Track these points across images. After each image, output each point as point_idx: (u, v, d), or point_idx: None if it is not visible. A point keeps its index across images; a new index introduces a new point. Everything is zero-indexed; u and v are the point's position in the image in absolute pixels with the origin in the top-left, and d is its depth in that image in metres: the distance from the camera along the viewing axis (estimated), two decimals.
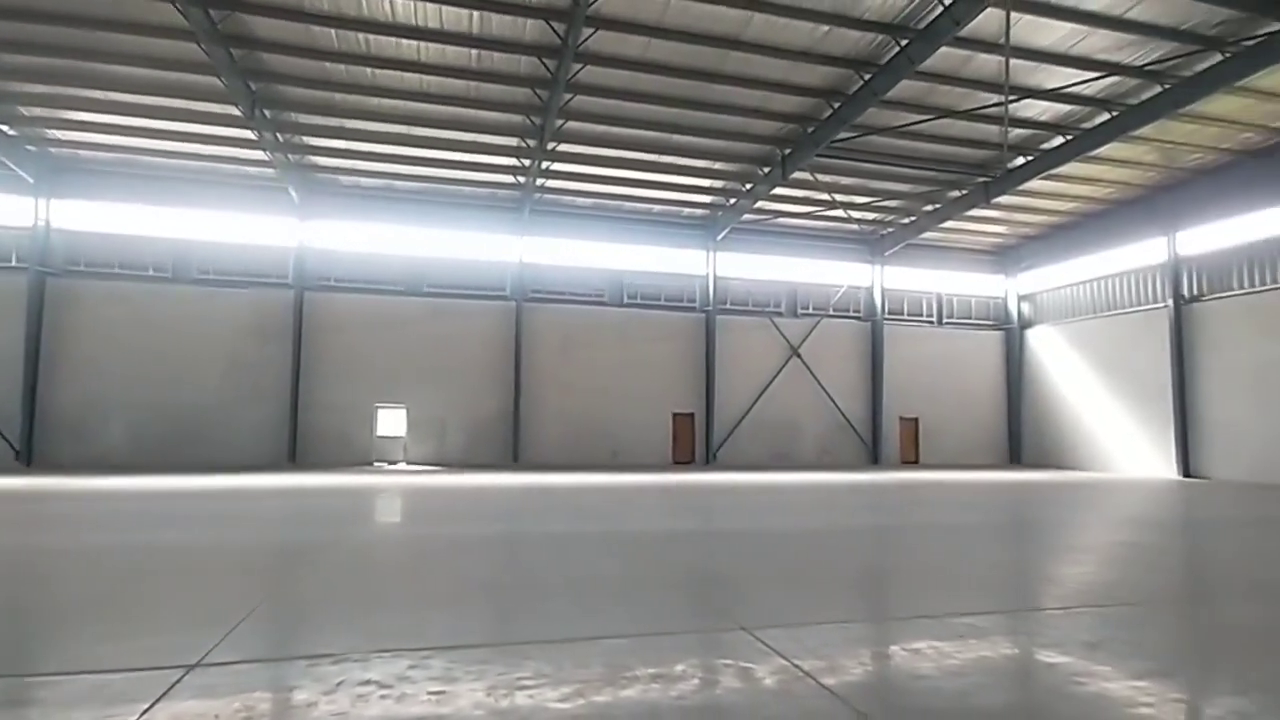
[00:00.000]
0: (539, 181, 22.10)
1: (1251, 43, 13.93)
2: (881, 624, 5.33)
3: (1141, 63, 15.25)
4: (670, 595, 6.08)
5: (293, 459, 22.24)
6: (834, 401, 26.73)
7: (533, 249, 25.13)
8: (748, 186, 22.27)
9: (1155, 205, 22.76)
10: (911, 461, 27.47)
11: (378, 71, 16.25)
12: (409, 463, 23.26)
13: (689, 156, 20.40)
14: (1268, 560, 8.33)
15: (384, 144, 19.72)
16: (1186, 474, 21.75)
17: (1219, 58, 14.67)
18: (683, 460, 25.42)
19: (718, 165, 21.05)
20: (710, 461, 25.36)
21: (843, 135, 18.31)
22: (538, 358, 24.51)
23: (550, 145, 19.36)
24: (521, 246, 24.80)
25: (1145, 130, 17.93)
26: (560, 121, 18.10)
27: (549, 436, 24.34)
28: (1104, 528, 10.84)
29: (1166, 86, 15.96)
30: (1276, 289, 19.78)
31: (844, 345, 27.29)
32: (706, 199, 23.75)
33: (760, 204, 23.51)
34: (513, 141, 19.59)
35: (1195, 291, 22.07)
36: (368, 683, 3.81)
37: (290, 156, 20.43)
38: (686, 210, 24.86)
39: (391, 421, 23.59)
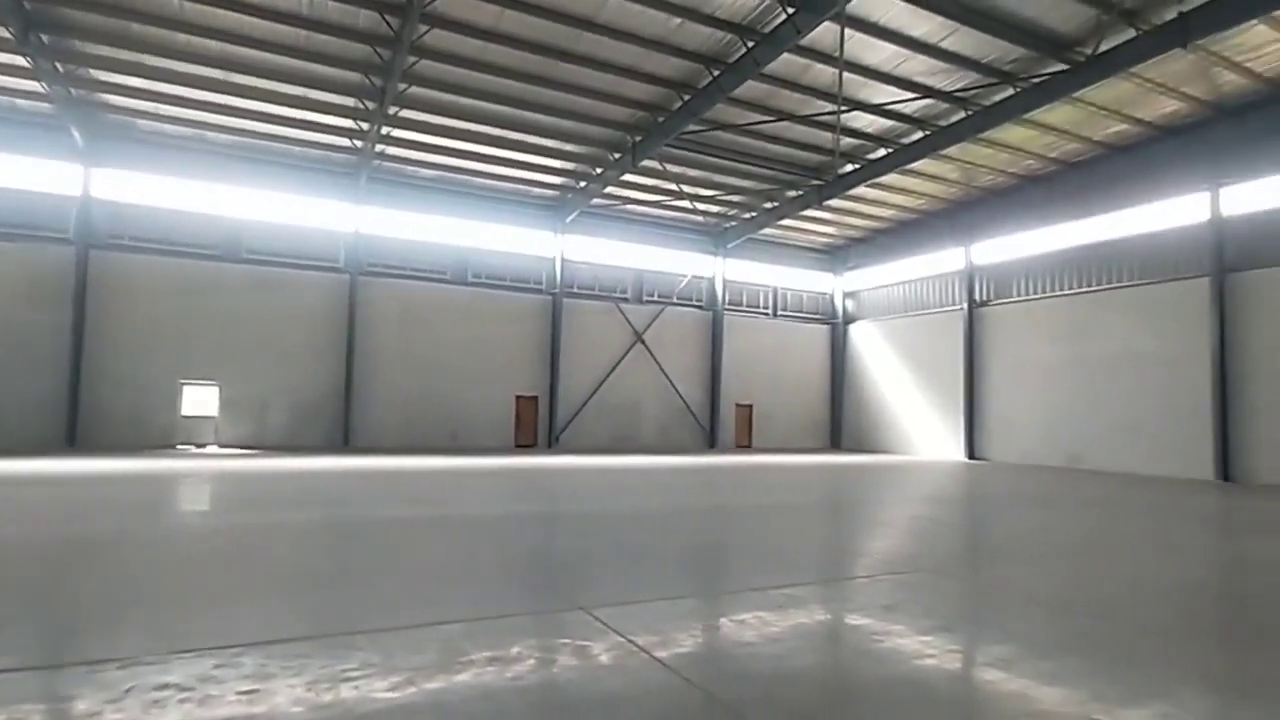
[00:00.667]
0: (378, 148, 20.77)
1: (1037, 80, 16.16)
2: (712, 598, 5.66)
3: (951, 89, 17.16)
4: (509, 579, 6.05)
5: (72, 441, 19.37)
6: (675, 387, 27.76)
7: (371, 220, 23.56)
8: (598, 171, 22.40)
9: (956, 218, 25.81)
10: (745, 446, 29.24)
11: (187, 4, 14.40)
12: (221, 446, 21.09)
13: (540, 135, 20.10)
14: (1031, 530, 9.83)
15: (194, 88, 17.52)
16: (972, 456, 25.03)
17: (1011, 91, 16.89)
18: (526, 443, 25.26)
19: (568, 146, 20.96)
20: (553, 444, 25.42)
21: (692, 128, 18.94)
22: (373, 335, 23.15)
23: (391, 110, 18.24)
24: (358, 216, 23.18)
25: (951, 150, 20.23)
26: (404, 86, 17.11)
27: (384, 418, 23.13)
28: (905, 504, 12.21)
29: (970, 113, 18.10)
30: (1046, 298, 23.24)
31: (686, 333, 28.39)
32: (556, 180, 23.58)
33: (610, 189, 23.74)
34: (349, 102, 18.23)
35: (985, 297, 25.36)
36: (165, 686, 3.45)
37: (73, 91, 17.60)
38: (536, 190, 24.54)
39: (201, 400, 21.22)
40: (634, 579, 6.14)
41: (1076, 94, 16.39)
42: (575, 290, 26.51)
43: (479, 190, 24.43)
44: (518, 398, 25.21)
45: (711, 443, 28.29)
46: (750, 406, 29.53)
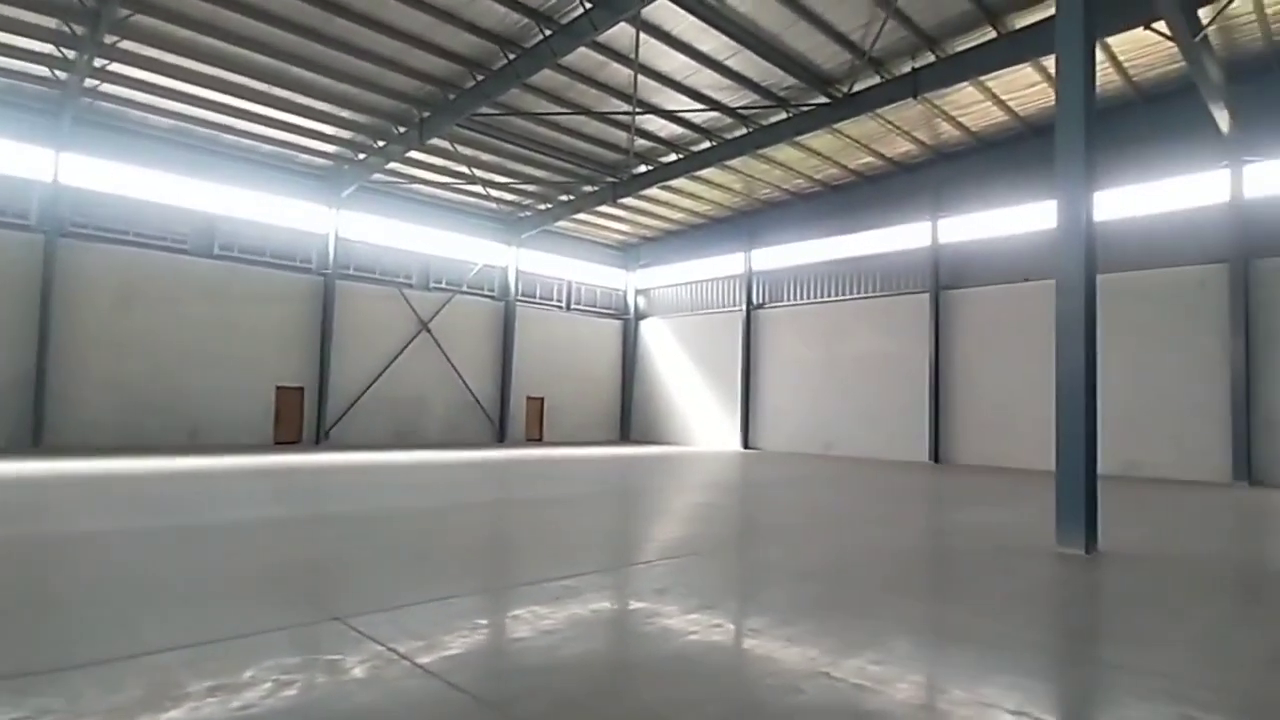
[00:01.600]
0: (90, 83, 17.39)
1: (805, 109, 18.09)
2: (487, 596, 5.59)
3: (735, 105, 18.58)
4: (251, 593, 5.46)
5: None
6: (463, 379, 27.00)
7: (78, 170, 19.51)
8: (380, 143, 21.00)
9: (739, 226, 28.09)
10: (536, 439, 29.30)
11: None
12: None
13: (309, 95, 18.21)
14: (786, 510, 10.99)
15: None
16: (747, 446, 27.43)
17: (784, 115, 18.71)
18: (288, 440, 22.97)
19: (345, 113, 19.33)
20: (322, 441, 23.43)
21: (486, 111, 18.49)
22: (81, 311, 19.23)
23: (109, 39, 15.31)
24: (60, 163, 19.02)
25: (735, 162, 21.95)
26: (127, 12, 14.43)
27: (95, 413, 19.37)
28: (683, 492, 13.03)
29: (750, 130, 19.77)
30: (811, 303, 26.15)
31: (477, 323, 27.72)
32: (329, 148, 21.64)
33: (395, 165, 22.39)
34: (50, 22, 14.98)
35: (762, 300, 27.89)
36: None
37: None
38: (305, 156, 22.26)
39: None
40: (403, 582, 5.87)
41: (836, 125, 18.57)
42: (352, 272, 24.63)
43: (231, 149, 21.59)
44: (279, 389, 22.81)
45: (501, 436, 27.94)
46: (542, 399, 29.63)
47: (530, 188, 24.89)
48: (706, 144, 20.93)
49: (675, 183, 23.80)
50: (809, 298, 26.19)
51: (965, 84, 16.56)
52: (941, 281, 22.17)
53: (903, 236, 23.51)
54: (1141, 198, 18.17)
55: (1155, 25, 12.97)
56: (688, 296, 30.88)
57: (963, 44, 15.31)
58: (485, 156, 22.18)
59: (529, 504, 10.90)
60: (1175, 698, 3.68)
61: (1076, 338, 7.87)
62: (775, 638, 4.56)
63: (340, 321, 24.03)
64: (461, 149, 21.33)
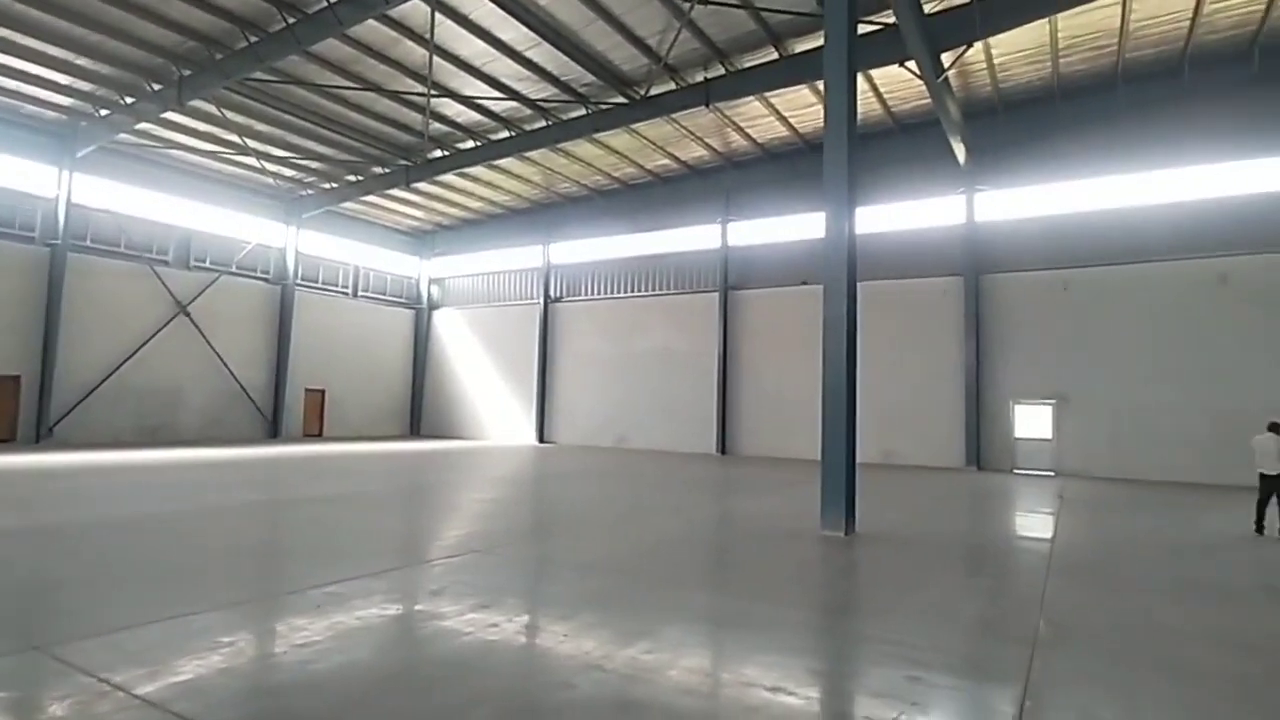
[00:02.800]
0: None
1: (604, 107, 18.33)
2: (234, 610, 4.89)
3: (535, 97, 18.33)
4: None
5: None
6: (230, 369, 23.94)
7: None
8: (129, 100, 17.91)
9: (538, 218, 27.85)
10: (315, 434, 26.81)
11: None
12: None
13: (38, 37, 15.11)
14: (577, 502, 11.02)
15: None
16: (542, 440, 27.32)
17: (584, 111, 18.82)
18: None
19: (83, 60, 16.24)
20: (44, 438, 19.52)
21: (262, 76, 16.48)
22: None
23: None
24: None
25: (535, 154, 21.69)
26: None
27: None
28: (473, 487, 12.58)
29: (550, 123, 19.63)
30: (607, 299, 26.67)
31: (248, 307, 24.71)
32: (63, 100, 18.09)
33: (148, 126, 19.23)
34: None
35: (559, 293, 27.92)
36: None
37: None
38: (31, 107, 18.46)
39: None
40: (132, 599, 4.97)
41: (633, 126, 19.04)
42: (90, 244, 20.78)
43: None
44: None
45: (275, 432, 25.20)
46: (323, 391, 27.18)
47: (313, 164, 22.67)
48: (505, 134, 20.45)
49: (473, 171, 23.03)
50: (606, 293, 26.70)
51: (752, 98, 17.77)
52: (730, 282, 23.70)
53: (695, 237, 24.78)
54: (898, 215, 20.78)
55: (908, 64, 14.85)
56: (484, 287, 30.06)
57: (750, 61, 16.42)
58: (261, 127, 19.80)
59: (297, 505, 9.84)
60: (905, 661, 4.13)
61: (840, 338, 8.71)
62: (553, 633, 4.47)
63: (73, 300, 20.15)
64: (232, 116, 18.83)
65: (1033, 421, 18.38)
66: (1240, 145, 16.62)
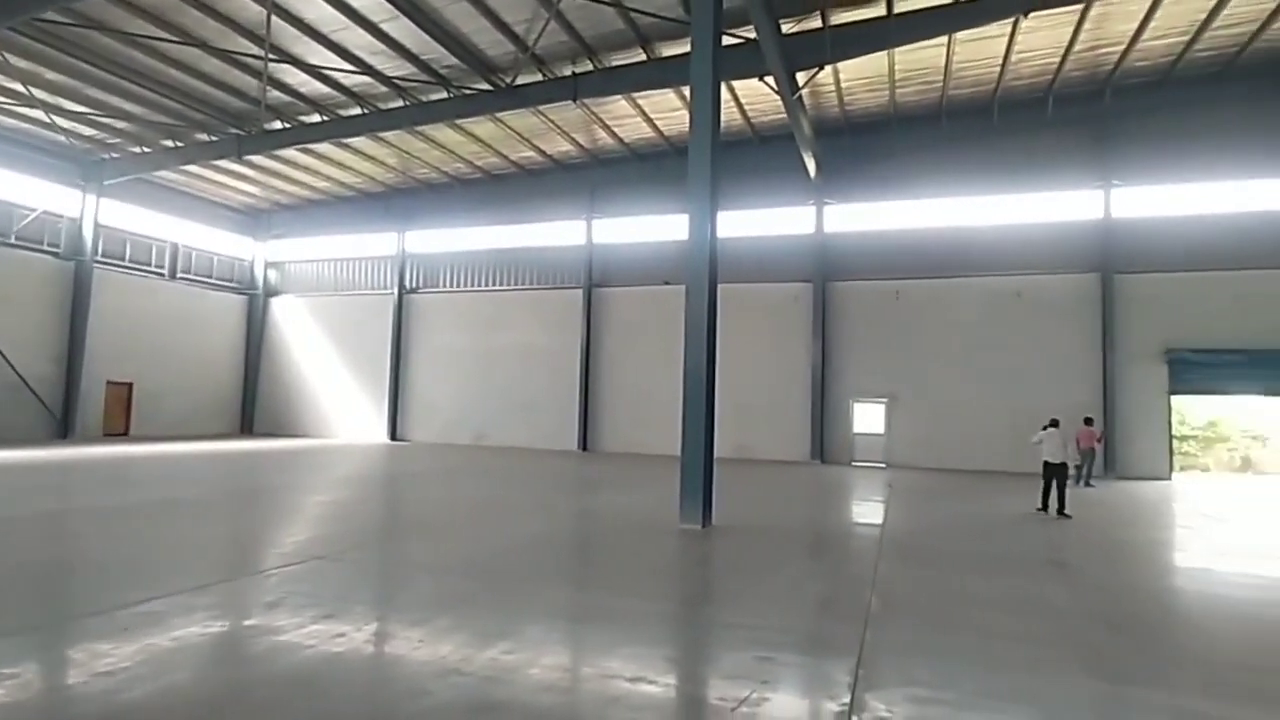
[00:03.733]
0: None
1: (468, 92, 17.76)
2: (17, 638, 4.24)
3: (391, 74, 17.40)
4: None
5: None
6: (4, 357, 20.67)
7: None
8: None
9: (393, 204, 26.47)
10: (120, 433, 23.77)
11: None
12: None
13: None
14: (432, 503, 10.62)
15: None
16: (395, 438, 26.01)
17: (445, 95, 18.14)
18: None
19: None
20: None
21: (53, 17, 14.37)
22: None
23: None
24: None
25: (390, 136, 20.63)
26: None
27: None
28: (316, 489, 11.76)
29: (408, 104, 18.73)
30: (467, 291, 25.86)
31: (29, 286, 21.38)
32: None
33: None
34: None
35: (416, 284, 26.70)
36: None
37: None
38: None
39: None
40: None
41: (498, 114, 18.65)
42: None
43: None
44: None
45: (65, 431, 22.10)
46: (130, 385, 24.19)
47: (120, 124, 20.10)
48: (357, 110, 19.25)
49: (319, 147, 21.51)
50: (466, 285, 25.93)
51: (619, 97, 17.97)
52: (595, 279, 23.82)
53: (560, 233, 24.66)
54: (756, 221, 21.84)
55: (767, 79, 15.65)
56: (331, 274, 28.15)
57: (619, 60, 16.58)
58: (52, 75, 17.25)
59: (99, 515, 8.71)
60: (756, 643, 4.37)
61: (700, 338, 9.02)
62: (407, 640, 4.29)
63: None
64: (15, 60, 16.27)
65: (869, 418, 20.09)
66: (1034, 179, 19.13)
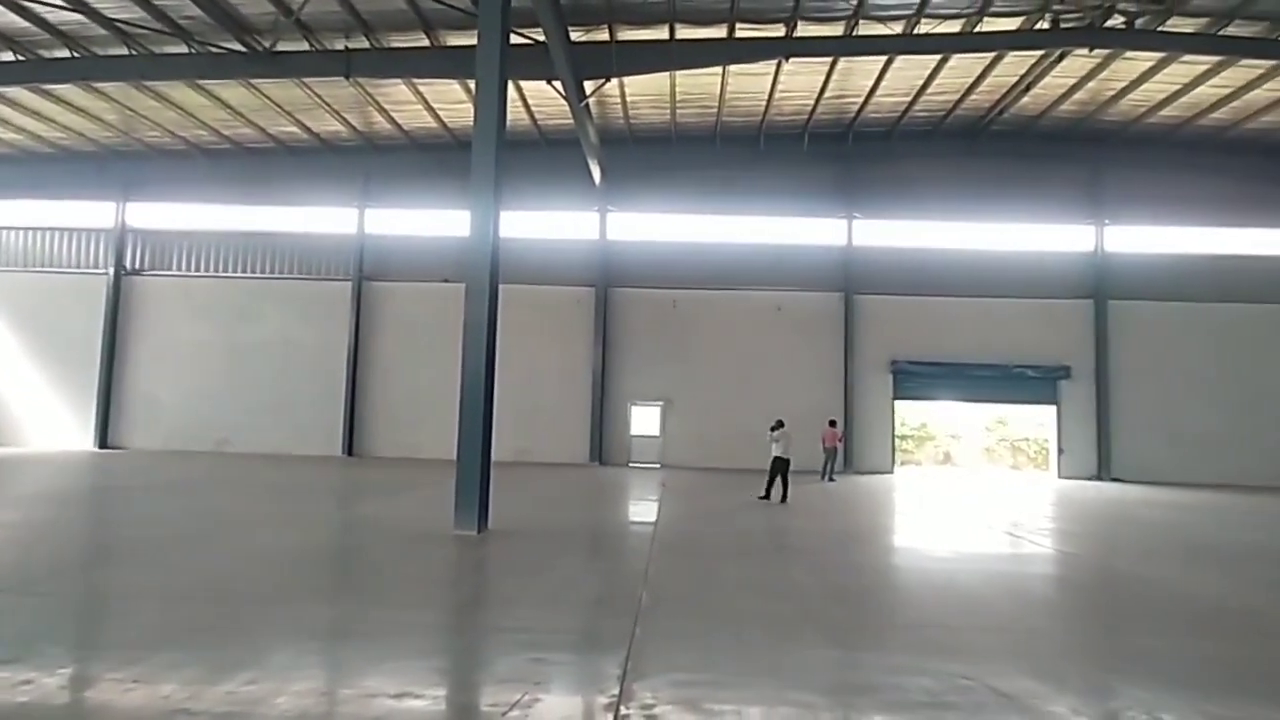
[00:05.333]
0: None
1: (215, 50, 15.64)
2: None
3: (112, 15, 14.75)
4: None
5: None
6: None
7: None
8: None
9: (111, 168, 22.49)
10: None
11: None
12: None
13: None
14: (161, 522, 9.20)
15: None
16: (105, 445, 22.06)
17: (186, 49, 15.79)
18: None
19: None
20: None
21: None
22: None
23: None
24: None
25: (110, 88, 17.60)
26: None
27: None
28: None
29: (133, 53, 16.05)
30: (207, 277, 22.76)
31: None
32: None
33: None
34: None
35: (139, 265, 22.95)
36: None
37: None
38: None
39: None
40: None
41: (253, 80, 16.80)
42: None
43: None
44: None
45: None
46: None
47: None
48: (65, 53, 16.12)
49: (10, 92, 17.79)
50: (209, 270, 22.88)
51: (399, 81, 17.07)
52: (366, 271, 22.31)
53: (326, 219, 22.78)
54: (541, 223, 21.88)
55: (555, 83, 15.80)
56: (18, 246, 23.23)
57: (399, 41, 15.73)
58: None
59: None
60: (529, 645, 4.39)
61: (480, 339, 8.82)
62: (117, 681, 3.68)
63: None
64: None
65: (645, 420, 21.20)
66: (793, 204, 21.63)
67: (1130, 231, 21.34)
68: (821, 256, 21.46)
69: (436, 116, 19.47)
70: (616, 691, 3.67)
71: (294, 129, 20.47)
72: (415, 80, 17.01)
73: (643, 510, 11.62)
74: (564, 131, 20.13)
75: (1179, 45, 15.44)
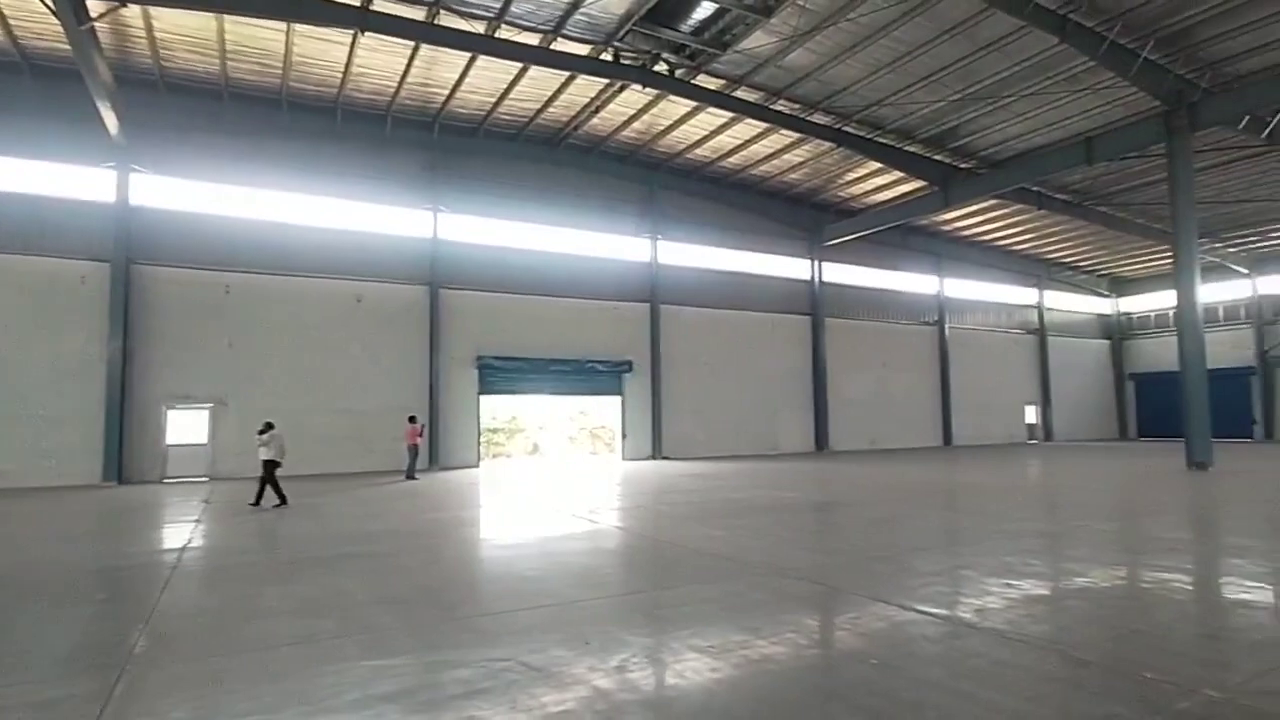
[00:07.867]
0: None
1: None
2: None
3: None
4: None
5: None
6: None
7: None
8: None
9: None
10: None
11: None
12: None
13: None
14: None
15: None
16: None
17: None
18: None
19: None
20: None
21: None
22: None
23: None
24: None
25: None
26: None
27: None
28: None
29: None
30: None
31: None
32: None
33: None
34: None
35: None
36: None
37: None
38: None
39: None
40: None
41: None
42: None
43: None
44: None
45: None
46: None
47: None
48: None
49: None
50: None
51: None
52: None
53: None
54: (27, 174, 16.81)
55: None
56: None
57: None
58: None
59: None
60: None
61: None
62: None
63: None
64: None
65: (187, 427, 17.88)
66: (374, 191, 20.50)
67: (676, 247, 25.46)
68: (408, 248, 20.80)
69: None
70: None
71: None
72: None
73: (169, 536, 9.68)
74: (64, 61, 15.89)
75: (703, 98, 18.87)
